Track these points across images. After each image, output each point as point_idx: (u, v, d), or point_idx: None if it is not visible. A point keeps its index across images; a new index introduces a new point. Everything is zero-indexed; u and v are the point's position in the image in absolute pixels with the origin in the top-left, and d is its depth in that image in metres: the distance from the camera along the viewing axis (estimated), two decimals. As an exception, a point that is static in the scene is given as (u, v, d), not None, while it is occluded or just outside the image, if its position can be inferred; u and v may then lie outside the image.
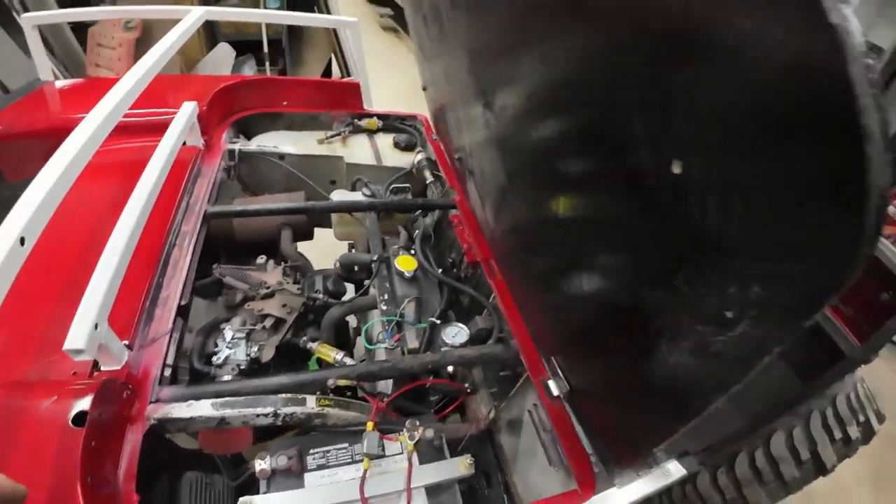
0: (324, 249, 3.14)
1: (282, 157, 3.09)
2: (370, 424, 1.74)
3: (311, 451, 1.72)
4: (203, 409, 1.62)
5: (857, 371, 2.31)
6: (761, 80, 0.84)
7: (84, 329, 1.37)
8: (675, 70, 1.02)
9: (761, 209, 0.91)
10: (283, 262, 2.49)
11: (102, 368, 1.57)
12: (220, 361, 1.97)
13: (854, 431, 2.21)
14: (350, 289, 2.65)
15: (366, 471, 1.63)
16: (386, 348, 2.14)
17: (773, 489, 2.28)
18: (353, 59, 3.48)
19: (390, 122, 3.50)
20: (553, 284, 1.90)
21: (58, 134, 1.69)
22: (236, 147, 2.95)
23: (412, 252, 2.57)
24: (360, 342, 2.33)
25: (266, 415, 1.66)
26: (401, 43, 11.14)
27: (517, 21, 1.67)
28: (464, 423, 2.29)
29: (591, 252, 1.58)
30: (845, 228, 0.73)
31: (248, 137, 3.25)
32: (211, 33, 6.38)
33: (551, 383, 1.90)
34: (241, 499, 1.52)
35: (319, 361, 2.11)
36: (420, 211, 2.94)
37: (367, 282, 2.48)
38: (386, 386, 2.13)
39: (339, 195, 2.92)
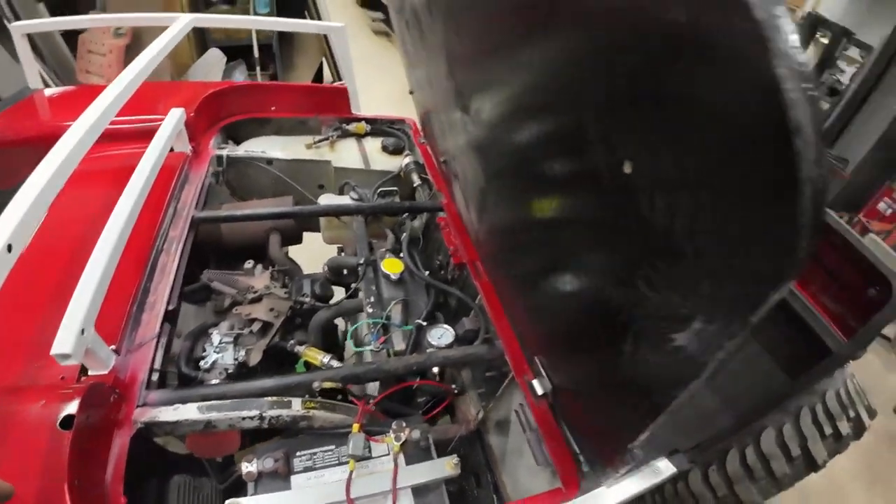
0: (314, 253, 3.15)
1: (269, 162, 3.10)
2: (356, 426, 1.75)
3: (298, 454, 1.74)
4: (189, 412, 1.64)
5: (847, 367, 2.32)
6: (697, 78, 0.86)
7: (71, 334, 1.39)
8: (620, 72, 1.05)
9: (704, 205, 0.93)
10: (271, 267, 2.51)
11: (90, 373, 1.58)
12: (207, 366, 1.98)
13: (844, 427, 2.22)
14: (340, 292, 2.66)
15: (351, 472, 1.65)
16: (371, 350, 2.15)
17: (764, 486, 2.29)
18: (343, 64, 3.47)
19: (378, 126, 3.50)
20: (531, 285, 1.93)
21: (47, 142, 1.71)
22: (224, 153, 2.96)
23: (399, 255, 2.59)
24: (350, 345, 2.34)
25: (252, 418, 1.67)
26: (392, 47, 11.15)
27: (486, 30, 1.70)
28: (453, 425, 2.30)
29: (561, 253, 1.60)
30: (784, 222, 0.74)
31: (237, 143, 3.25)
32: (201, 39, 6.37)
33: (535, 383, 1.91)
34: (227, 501, 1.54)
35: (307, 364, 2.12)
36: (407, 214, 2.95)
37: (354, 285, 2.49)
38: (375, 388, 2.14)
39: (326, 199, 2.93)
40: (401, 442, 1.79)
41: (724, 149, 0.85)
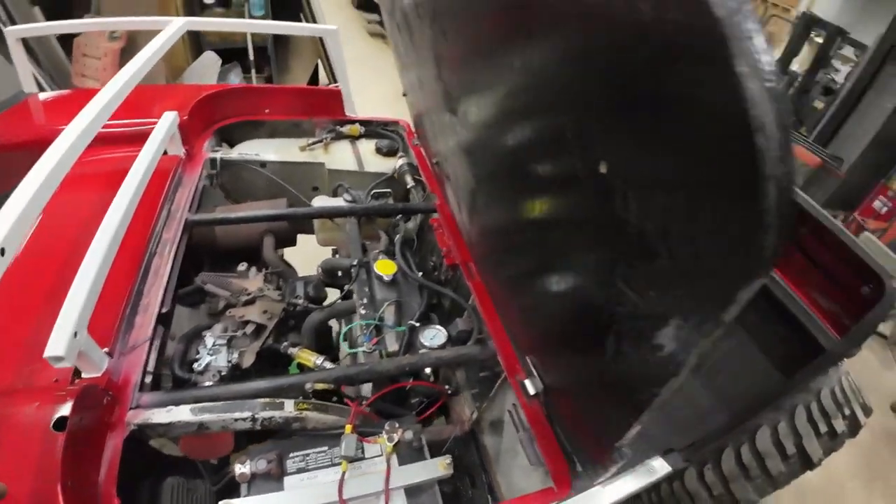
0: (310, 255, 3.15)
1: (263, 164, 3.11)
2: (348, 427, 1.76)
3: (291, 455, 1.74)
4: (182, 414, 1.65)
5: (842, 365, 2.33)
6: (663, 77, 0.87)
7: (64, 337, 1.40)
8: (591, 73, 1.06)
9: (674, 204, 0.94)
10: (264, 269, 2.51)
11: (84, 375, 1.59)
12: (201, 368, 1.99)
13: (840, 425, 2.20)
14: (335, 294, 2.67)
15: (344, 473, 1.65)
16: (364, 352, 2.16)
17: (759, 484, 2.28)
18: (336, 66, 3.48)
19: (372, 128, 3.51)
20: (520, 285, 1.94)
21: (41, 146, 1.72)
22: (218, 155, 2.97)
23: (393, 256, 2.59)
24: (344, 347, 2.34)
25: (244, 419, 1.69)
26: (388, 49, 11.15)
27: (468, 33, 1.72)
28: (448, 425, 2.31)
29: (547, 253, 1.62)
30: (750, 221, 0.75)
31: (232, 145, 3.26)
32: (196, 42, 6.38)
33: (527, 382, 1.92)
34: (220, 502, 1.55)
35: (300, 366, 2.13)
36: (401, 215, 2.96)
37: (347, 286, 2.50)
38: (370, 390, 2.15)
39: (320, 201, 2.94)
40: (393, 443, 1.79)
41: (692, 147, 0.86)
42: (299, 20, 6.65)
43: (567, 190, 1.37)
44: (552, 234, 1.54)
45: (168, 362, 1.99)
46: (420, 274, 2.56)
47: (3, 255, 1.34)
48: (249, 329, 2.16)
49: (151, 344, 1.83)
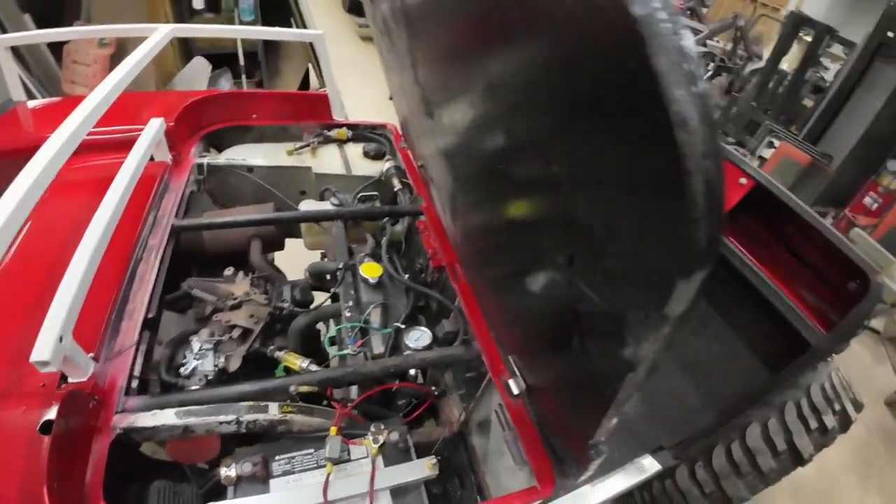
0: (301, 259, 3.16)
1: (250, 169, 3.12)
2: (333, 429, 1.77)
3: (277, 458, 1.75)
4: (167, 417, 1.66)
5: (832, 361, 2.34)
6: (595, 77, 0.89)
7: (49, 342, 1.41)
8: (536, 78, 1.09)
9: (614, 202, 0.96)
10: (251, 274, 2.52)
11: (70, 380, 1.60)
12: (187, 372, 2.00)
13: (830, 421, 2.21)
14: (324, 297, 2.68)
15: (328, 475, 1.66)
16: (349, 354, 2.17)
17: (750, 481, 2.30)
18: (324, 71, 3.49)
19: (360, 132, 3.52)
20: (499, 285, 1.95)
21: (29, 154, 1.74)
22: (205, 161, 2.98)
23: (380, 259, 2.61)
24: (332, 349, 2.36)
25: (228, 422, 1.70)
26: (379, 52, 11.19)
27: (437, 41, 1.74)
28: (437, 427, 2.33)
29: (518, 254, 1.63)
30: (681, 216, 0.76)
31: (220, 151, 3.27)
32: (186, 47, 6.37)
33: (511, 382, 1.93)
34: None
35: (287, 369, 2.14)
36: (387, 218, 2.97)
37: (333, 289, 2.51)
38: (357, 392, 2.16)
39: (307, 205, 2.95)
40: (379, 444, 1.80)
41: (626, 145, 0.88)
42: (290, 25, 6.66)
43: (529, 191, 1.39)
44: (522, 236, 1.56)
45: (155, 367, 2.00)
46: (407, 276, 2.58)
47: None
48: (236, 333, 2.18)
49: (137, 349, 1.84)
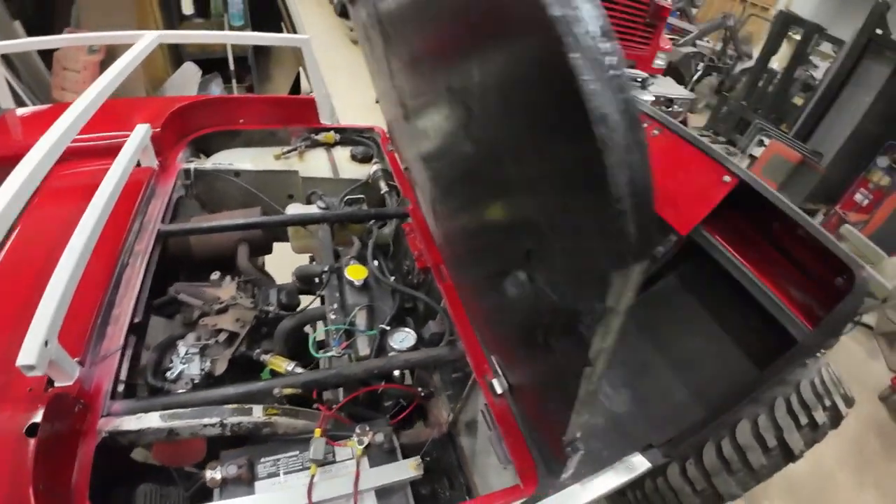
0: (292, 263, 3.18)
1: (237, 174, 3.12)
2: (317, 431, 1.78)
3: (262, 460, 1.76)
4: (152, 420, 1.67)
5: (822, 357, 2.35)
6: (529, 82, 0.91)
7: (34, 346, 1.43)
8: (480, 83, 1.11)
9: (554, 196, 0.98)
10: (237, 278, 2.53)
11: (56, 384, 1.61)
12: (173, 376, 2.02)
13: (821, 416, 2.20)
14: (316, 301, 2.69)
15: (313, 476, 1.68)
16: (333, 356, 2.18)
17: (742, 478, 2.29)
18: (311, 75, 3.50)
19: (348, 135, 3.53)
20: (478, 285, 1.97)
21: (17, 162, 1.77)
22: (192, 166, 2.98)
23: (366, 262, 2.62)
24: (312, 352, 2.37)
25: (213, 425, 1.71)
26: (371, 55, 11.20)
27: (405, 47, 1.76)
28: (425, 428, 2.34)
29: (489, 253, 1.65)
30: (609, 209, 0.77)
31: (208, 156, 3.27)
32: (176, 53, 6.37)
33: (495, 382, 1.95)
34: None
35: (273, 372, 2.15)
36: (374, 221, 2.98)
37: (318, 292, 2.52)
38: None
39: (294, 209, 2.96)
40: (363, 445, 1.82)
41: (558, 144, 0.89)
42: (280, 30, 6.66)
43: (492, 193, 1.41)
44: (491, 236, 1.58)
45: (142, 372, 2.01)
46: (393, 278, 2.59)
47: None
48: (222, 337, 2.19)
49: (123, 353, 1.85)
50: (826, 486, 4.66)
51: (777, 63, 11.54)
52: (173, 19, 6.32)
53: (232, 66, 6.62)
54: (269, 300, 2.45)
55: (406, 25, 1.65)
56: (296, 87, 7.15)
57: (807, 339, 2.20)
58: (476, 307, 2.14)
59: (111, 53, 5.56)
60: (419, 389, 2.33)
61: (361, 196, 3.16)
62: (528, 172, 1.06)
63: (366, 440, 1.84)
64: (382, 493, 1.77)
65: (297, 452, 1.80)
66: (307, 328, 2.49)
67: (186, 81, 6.08)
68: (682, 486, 2.43)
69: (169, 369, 2.05)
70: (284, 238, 3.20)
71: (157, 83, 6.12)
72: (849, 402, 2.30)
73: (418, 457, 1.87)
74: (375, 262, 2.64)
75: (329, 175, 3.29)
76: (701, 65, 13.32)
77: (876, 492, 4.76)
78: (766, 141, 9.11)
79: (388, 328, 2.32)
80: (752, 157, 9.42)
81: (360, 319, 2.34)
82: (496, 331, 1.97)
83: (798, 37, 10.54)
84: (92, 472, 1.51)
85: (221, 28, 6.41)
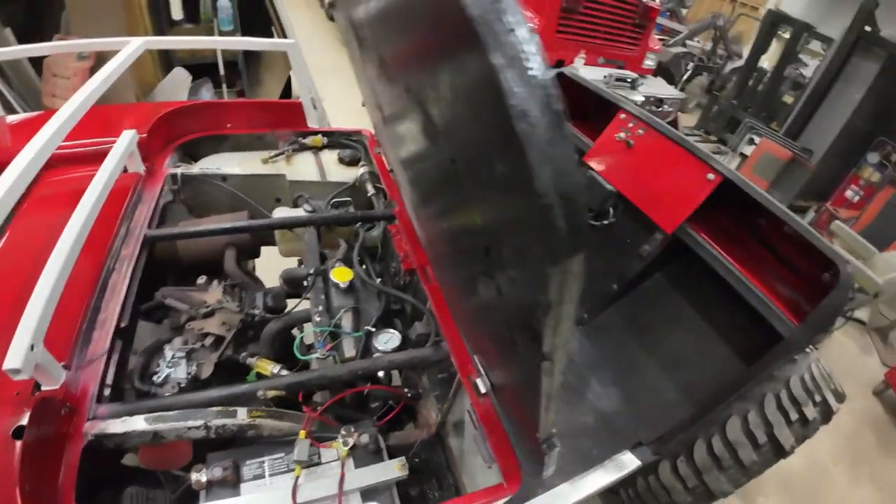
0: (281, 266, 3.19)
1: (224, 178, 3.12)
2: (302, 433, 1.80)
3: (248, 462, 1.78)
4: (137, 423, 1.69)
5: (812, 353, 2.35)
6: (465, 84, 0.93)
7: (20, 350, 1.44)
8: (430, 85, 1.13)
9: (495, 193, 1.00)
10: (224, 281, 2.55)
11: (43, 388, 1.63)
12: (160, 380, 2.03)
13: (811, 412, 2.20)
14: (304, 304, 2.70)
15: (297, 477, 1.69)
16: (318, 358, 2.19)
17: (733, 475, 2.29)
18: (298, 79, 3.51)
19: (335, 139, 3.54)
20: (458, 285, 1.97)
21: (3, 169, 1.78)
22: (178, 171, 2.98)
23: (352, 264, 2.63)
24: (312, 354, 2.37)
25: (197, 427, 1.73)
26: (362, 59, 11.20)
27: (375, 55, 1.77)
28: (414, 430, 2.35)
29: (462, 253, 1.66)
30: (540, 203, 0.78)
31: (197, 160, 3.28)
32: (166, 58, 6.36)
33: (479, 381, 1.96)
34: None
35: (259, 375, 2.17)
36: (360, 223, 2.99)
37: (304, 295, 2.54)
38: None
39: (280, 212, 2.97)
40: (348, 446, 1.83)
41: (495, 144, 0.90)
42: (270, 34, 6.66)
43: (454, 192, 1.42)
44: (462, 237, 1.58)
45: (129, 376, 2.03)
46: (380, 280, 2.60)
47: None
48: (209, 341, 2.21)
49: (109, 357, 1.87)
50: (821, 481, 4.68)
51: (767, 62, 11.59)
52: (163, 25, 6.30)
53: (222, 71, 6.61)
54: (255, 303, 2.46)
55: (373, 31, 1.67)
56: (287, 91, 7.14)
57: (792, 335, 2.20)
58: (458, 307, 2.15)
59: (101, 60, 5.55)
60: (405, 390, 2.34)
61: (348, 199, 3.17)
62: (478, 173, 1.07)
63: (351, 441, 1.85)
64: (368, 493, 1.78)
65: (283, 454, 1.82)
66: (295, 331, 2.50)
67: (176, 87, 6.07)
68: (674, 483, 2.43)
69: (156, 373, 2.06)
70: (272, 242, 3.20)
71: (148, 89, 6.11)
72: (839, 397, 2.31)
73: (403, 457, 1.88)
74: (361, 265, 2.65)
75: (316, 178, 3.30)
76: (691, 65, 13.36)
77: (871, 486, 4.79)
78: (757, 139, 9.14)
79: (373, 330, 2.33)
80: (742, 155, 9.45)
81: (346, 321, 2.35)
82: (477, 330, 1.98)
83: (787, 35, 10.59)
84: (78, 475, 1.53)
85: (211, 33, 6.40)
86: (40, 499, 1.42)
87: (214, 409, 1.78)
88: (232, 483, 1.71)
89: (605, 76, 7.71)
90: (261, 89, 7.13)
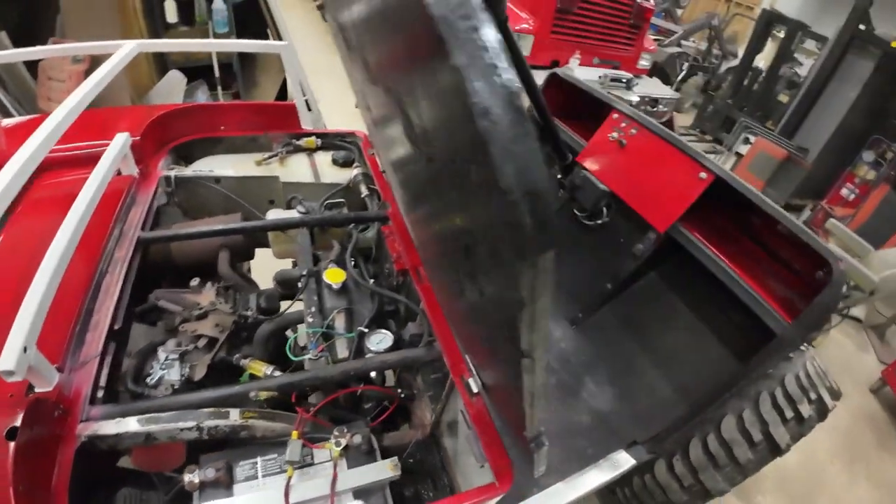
0: (276, 268, 3.20)
1: (217, 180, 3.13)
2: (294, 433, 1.80)
3: (241, 463, 1.78)
4: (130, 425, 1.69)
5: (807, 350, 2.35)
6: (437, 85, 0.93)
7: (13, 352, 1.45)
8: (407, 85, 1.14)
9: (470, 193, 1.00)
10: (217, 283, 2.55)
11: (36, 390, 1.63)
12: (153, 382, 2.04)
13: (806, 410, 2.24)
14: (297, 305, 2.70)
15: (289, 478, 1.70)
16: (310, 359, 2.20)
17: (729, 473, 2.31)
18: (292, 81, 3.51)
19: (329, 140, 3.54)
20: (447, 285, 1.97)
21: (-1, 172, 1.78)
22: (172, 173, 2.99)
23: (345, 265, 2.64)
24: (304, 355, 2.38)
25: (190, 428, 1.73)
26: (357, 60, 11.19)
27: (363, 57, 1.78)
28: (409, 430, 2.36)
29: (449, 254, 1.66)
30: (506, 201, 0.79)
31: (191, 163, 3.27)
32: (161, 61, 6.33)
33: (471, 381, 1.97)
34: None
35: (252, 376, 2.17)
36: (353, 224, 2.99)
37: (297, 296, 2.54)
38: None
39: (273, 214, 2.98)
40: (341, 447, 1.83)
41: (465, 144, 0.91)
42: (266, 36, 6.65)
43: (436, 192, 1.43)
44: (447, 237, 1.59)
45: (123, 378, 2.03)
46: (373, 281, 2.61)
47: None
48: (202, 343, 2.21)
49: (102, 359, 1.87)
50: (818, 478, 4.68)
51: (762, 61, 11.61)
52: (158, 27, 6.28)
53: (217, 73, 6.59)
54: (248, 305, 2.47)
55: (357, 34, 1.67)
56: (283, 93, 7.12)
57: (785, 332, 2.21)
58: (450, 307, 2.15)
59: (96, 63, 5.54)
60: (399, 391, 2.35)
61: (342, 200, 3.18)
62: (454, 173, 1.07)
63: (343, 442, 1.85)
64: (360, 493, 1.79)
65: (276, 455, 1.82)
66: (288, 332, 2.49)
67: (172, 89, 6.06)
68: (670, 482, 2.44)
69: (149, 375, 2.07)
70: (266, 243, 3.20)
71: (143, 91, 6.09)
72: (835, 394, 2.32)
73: (395, 458, 1.89)
74: (354, 266, 2.65)
75: (310, 180, 3.30)
76: (686, 65, 13.38)
77: (868, 484, 4.79)
78: (752, 138, 9.16)
79: (366, 330, 2.33)
80: (738, 154, 9.49)
81: (339, 322, 2.36)
82: (467, 330, 1.98)
83: (782, 35, 10.62)
84: (72, 477, 1.53)
85: (206, 35, 6.39)
86: (34, 500, 1.42)
87: (207, 410, 1.79)
88: (225, 484, 1.72)
89: (600, 76, 7.70)
90: (257, 91, 7.11)
